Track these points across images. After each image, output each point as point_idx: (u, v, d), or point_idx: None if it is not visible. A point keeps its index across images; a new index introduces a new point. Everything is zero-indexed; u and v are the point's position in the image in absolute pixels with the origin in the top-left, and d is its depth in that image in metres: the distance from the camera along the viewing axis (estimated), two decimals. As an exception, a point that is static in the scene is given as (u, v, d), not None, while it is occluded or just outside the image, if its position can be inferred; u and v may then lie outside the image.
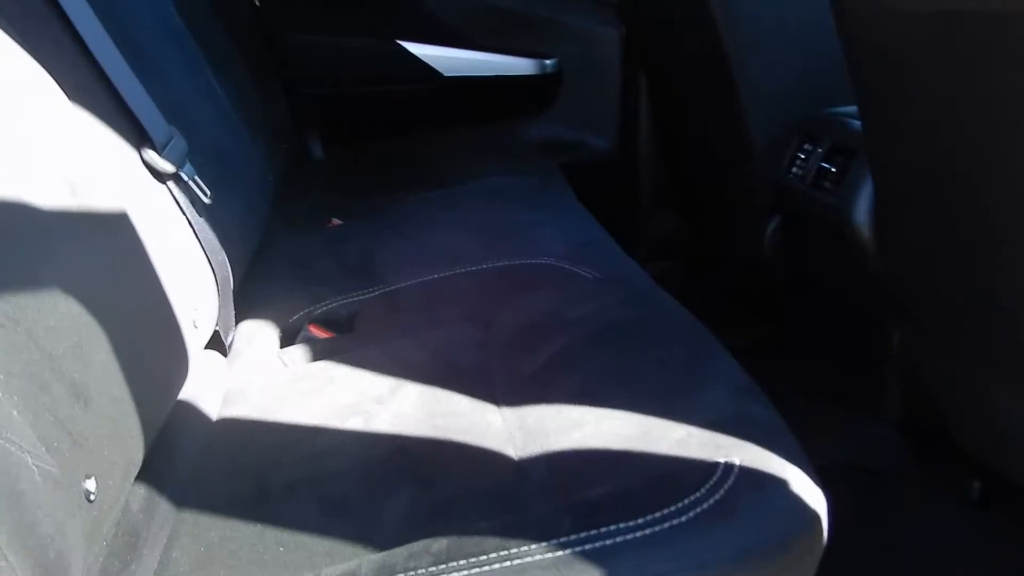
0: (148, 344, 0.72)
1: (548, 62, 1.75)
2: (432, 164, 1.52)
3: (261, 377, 0.87)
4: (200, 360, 0.87)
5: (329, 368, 0.85)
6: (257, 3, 1.65)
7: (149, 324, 0.74)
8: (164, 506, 0.68)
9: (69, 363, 0.57)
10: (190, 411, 0.80)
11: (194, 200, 0.87)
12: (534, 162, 1.51)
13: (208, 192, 0.88)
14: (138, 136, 0.83)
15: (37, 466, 0.49)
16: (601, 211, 1.77)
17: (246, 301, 1.00)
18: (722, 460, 0.59)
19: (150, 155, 0.82)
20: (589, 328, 0.81)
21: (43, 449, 0.51)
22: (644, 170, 1.84)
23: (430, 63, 1.71)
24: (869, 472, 1.19)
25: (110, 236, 0.73)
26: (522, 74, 1.74)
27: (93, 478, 0.56)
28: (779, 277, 1.41)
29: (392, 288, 0.98)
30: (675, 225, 1.89)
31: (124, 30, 0.92)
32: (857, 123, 1.17)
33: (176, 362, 0.78)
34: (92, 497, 0.56)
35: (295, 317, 0.96)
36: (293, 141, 1.67)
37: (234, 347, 0.93)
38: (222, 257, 0.91)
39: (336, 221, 1.27)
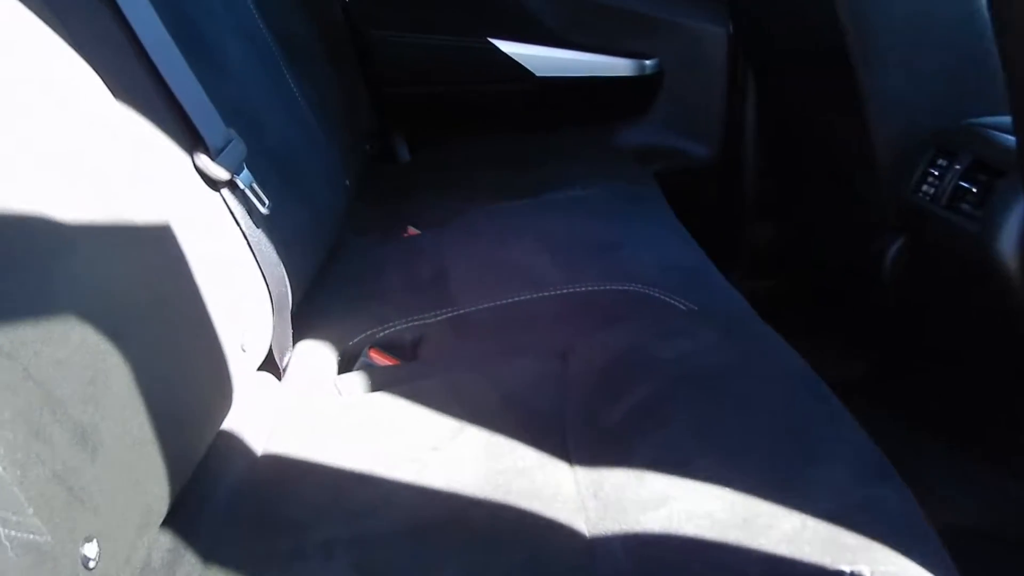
0: (185, 374, 0.65)
1: (648, 63, 1.63)
2: (520, 169, 1.42)
3: (314, 407, 0.79)
4: (249, 386, 0.80)
5: (386, 401, 0.76)
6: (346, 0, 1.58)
7: (187, 351, 0.66)
8: (189, 560, 0.60)
9: (77, 404, 0.50)
10: (233, 444, 0.73)
11: (251, 210, 0.80)
12: (628, 170, 1.40)
13: (267, 201, 0.81)
14: (191, 139, 0.76)
15: (13, 537, 0.42)
16: (697, 222, 1.63)
17: (306, 319, 0.92)
18: (847, 569, 0.47)
19: (203, 160, 0.75)
20: (681, 371, 0.70)
21: (30, 511, 0.44)
22: (747, 179, 1.69)
23: (522, 62, 1.61)
24: (1002, 541, 1.03)
25: (149, 251, 0.66)
26: (619, 75, 1.63)
27: (95, 540, 0.49)
28: (899, 304, 1.25)
29: (462, 311, 0.88)
30: (779, 239, 1.74)
31: (187, 23, 0.86)
32: (1006, 137, 1.01)
33: (219, 392, 0.70)
34: (92, 564, 0.48)
35: (356, 339, 0.88)
36: (378, 142, 1.60)
37: (289, 370, 0.86)
38: (280, 272, 0.83)
39: (413, 230, 1.19)
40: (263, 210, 0.80)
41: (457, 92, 1.66)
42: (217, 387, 0.70)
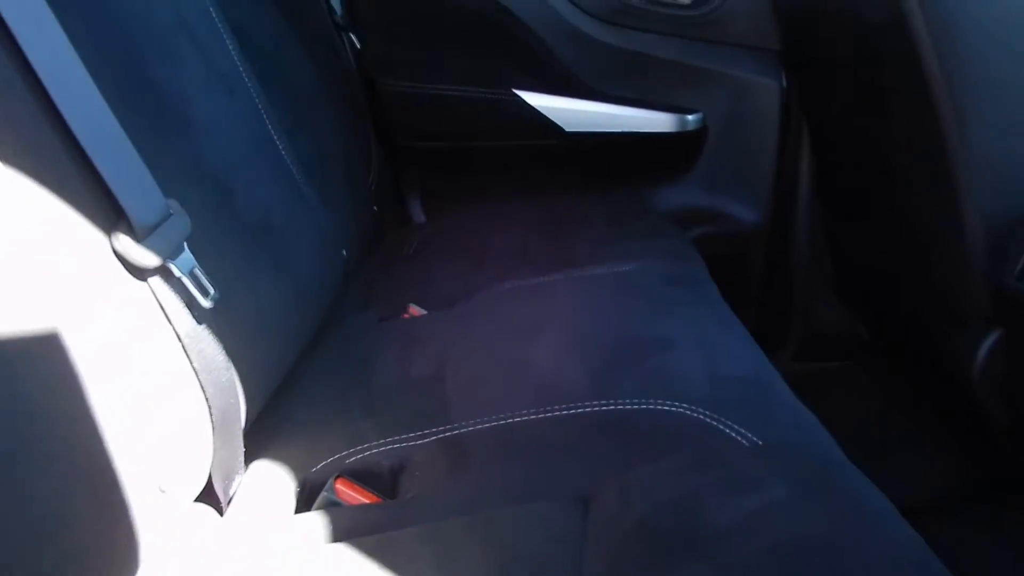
0: (83, 516, 0.48)
1: (690, 117, 1.45)
2: (546, 236, 1.25)
3: (257, 558, 0.60)
4: (173, 528, 0.62)
5: (349, 557, 0.58)
6: (358, 45, 1.44)
7: (89, 488, 0.49)
8: None
9: None
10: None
11: (191, 303, 0.63)
12: (669, 239, 1.22)
13: (212, 291, 0.64)
14: (110, 215, 0.59)
15: None
16: (743, 295, 1.43)
17: (267, 431, 0.75)
18: None
19: (123, 242, 0.58)
20: (744, 549, 0.50)
21: None
22: (800, 248, 1.50)
23: (550, 116, 1.45)
24: None
25: (41, 359, 0.49)
26: (658, 131, 1.46)
27: None
28: (993, 409, 1.04)
29: (458, 430, 0.70)
30: (837, 317, 1.54)
31: (134, 69, 0.70)
32: None
33: (128, 540, 0.53)
34: None
35: (322, 464, 0.69)
36: (389, 203, 1.44)
37: (235, 503, 0.68)
38: (228, 378, 0.66)
39: (416, 310, 1.01)
40: (205, 303, 0.63)
41: (477, 149, 1.50)
42: (126, 534, 0.52)
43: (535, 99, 1.45)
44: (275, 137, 0.91)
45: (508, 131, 1.47)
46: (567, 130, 1.46)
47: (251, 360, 0.71)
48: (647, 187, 1.53)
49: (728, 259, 1.53)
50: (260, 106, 0.90)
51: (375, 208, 1.30)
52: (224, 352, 0.66)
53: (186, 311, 0.62)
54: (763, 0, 1.40)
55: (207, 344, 0.64)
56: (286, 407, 0.78)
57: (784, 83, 1.43)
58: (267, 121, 0.91)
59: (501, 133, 1.48)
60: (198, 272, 0.63)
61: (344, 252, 1.06)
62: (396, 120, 1.47)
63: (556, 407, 0.69)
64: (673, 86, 1.45)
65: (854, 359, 1.54)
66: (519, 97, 1.44)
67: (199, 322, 0.63)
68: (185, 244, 0.63)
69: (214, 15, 0.86)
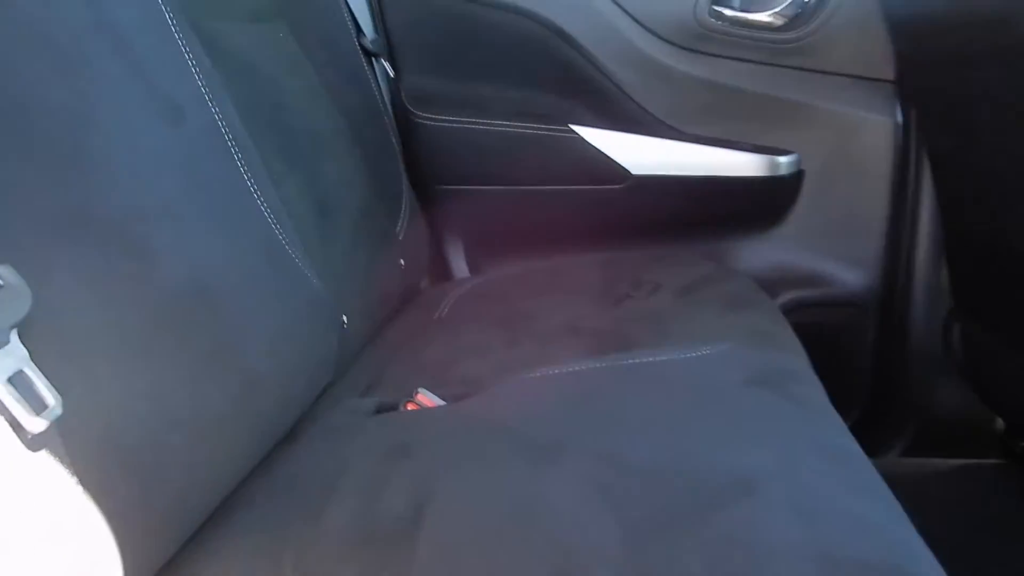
0: None
1: (784, 159, 1.21)
2: (601, 302, 1.02)
3: None
4: None
5: None
6: (391, 74, 1.25)
7: None
8: None
9: None
10: None
11: (14, 423, 0.43)
12: (752, 307, 0.97)
13: (51, 401, 0.43)
14: None
15: None
16: (845, 376, 1.17)
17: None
18: None
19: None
20: None
21: None
22: (920, 318, 1.23)
23: (614, 156, 1.23)
24: None
25: None
26: (744, 175, 1.22)
27: None
28: None
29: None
30: (965, 405, 1.25)
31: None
32: None
33: None
34: None
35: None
36: (423, 255, 1.24)
37: None
38: (97, 534, 0.45)
39: (424, 398, 0.79)
40: (35, 422, 0.43)
41: (529, 193, 1.28)
42: None
43: (597, 136, 1.23)
44: (248, 180, 0.71)
45: (564, 173, 1.26)
46: (633, 172, 1.24)
47: (144, 505, 0.50)
48: (728, 242, 1.29)
49: (827, 331, 1.27)
50: (230, 141, 0.71)
51: (401, 262, 1.09)
52: (93, 493, 0.45)
53: (12, 435, 0.42)
54: (873, 20, 1.15)
55: (55, 483, 0.44)
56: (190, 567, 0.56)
57: (900, 118, 1.18)
58: (239, 161, 0.71)
59: (556, 176, 1.26)
60: (29, 374, 0.42)
61: (345, 320, 0.85)
62: (434, 160, 1.27)
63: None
64: (763, 123, 1.22)
65: (984, 456, 1.26)
66: (578, 134, 1.23)
67: (32, 448, 0.43)
68: (14, 332, 0.42)
69: (170, 19, 0.67)
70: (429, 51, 1.24)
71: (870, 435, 1.26)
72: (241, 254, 0.67)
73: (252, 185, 0.72)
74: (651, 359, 0.75)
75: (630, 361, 0.74)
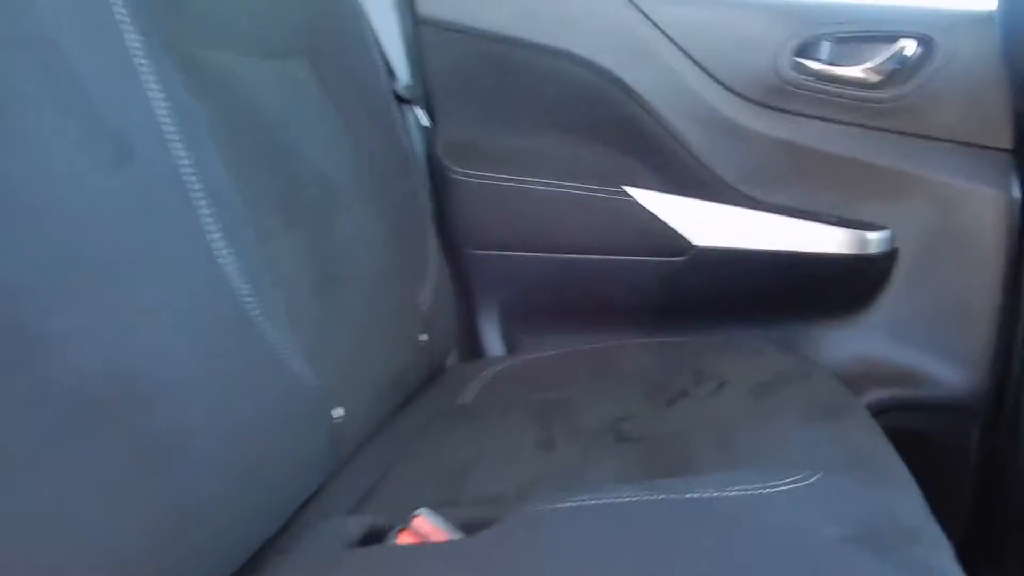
0: None
1: (874, 236, 1.04)
2: (651, 399, 0.85)
3: None
4: None
5: None
6: (426, 123, 1.12)
7: None
8: None
9: None
10: None
11: None
12: (842, 412, 0.79)
13: None
14: None
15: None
16: (946, 492, 0.98)
17: None
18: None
19: None
20: None
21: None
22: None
23: (674, 225, 1.08)
24: None
25: None
26: (827, 252, 1.05)
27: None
28: None
29: None
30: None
31: None
32: None
33: None
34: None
35: None
36: (452, 329, 1.08)
37: None
38: None
39: (426, 523, 0.63)
40: None
41: (576, 263, 1.13)
42: None
43: (655, 201, 1.08)
44: (213, 238, 0.57)
45: (617, 242, 1.10)
46: (696, 244, 1.08)
47: None
48: (806, 330, 1.11)
49: (921, 439, 1.08)
50: (195, 190, 0.56)
51: (424, 338, 0.94)
52: None
53: None
54: (988, 78, 0.98)
55: None
56: None
57: (1017, 193, 1.00)
58: (205, 214, 0.57)
59: (608, 244, 1.11)
60: None
61: (340, 413, 0.70)
62: (470, 221, 1.12)
63: None
64: (851, 194, 1.05)
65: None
66: (633, 198, 1.07)
67: None
68: None
69: (132, 41, 0.54)
70: (471, 100, 1.11)
71: (971, 565, 1.06)
72: (189, 332, 0.52)
73: (219, 244, 0.58)
74: (716, 493, 0.57)
75: (690, 495, 0.57)
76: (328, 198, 0.81)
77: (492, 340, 1.16)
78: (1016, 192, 1.00)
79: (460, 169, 1.11)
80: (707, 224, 1.07)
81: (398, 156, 1.00)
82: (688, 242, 1.08)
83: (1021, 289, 1.02)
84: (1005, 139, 1.00)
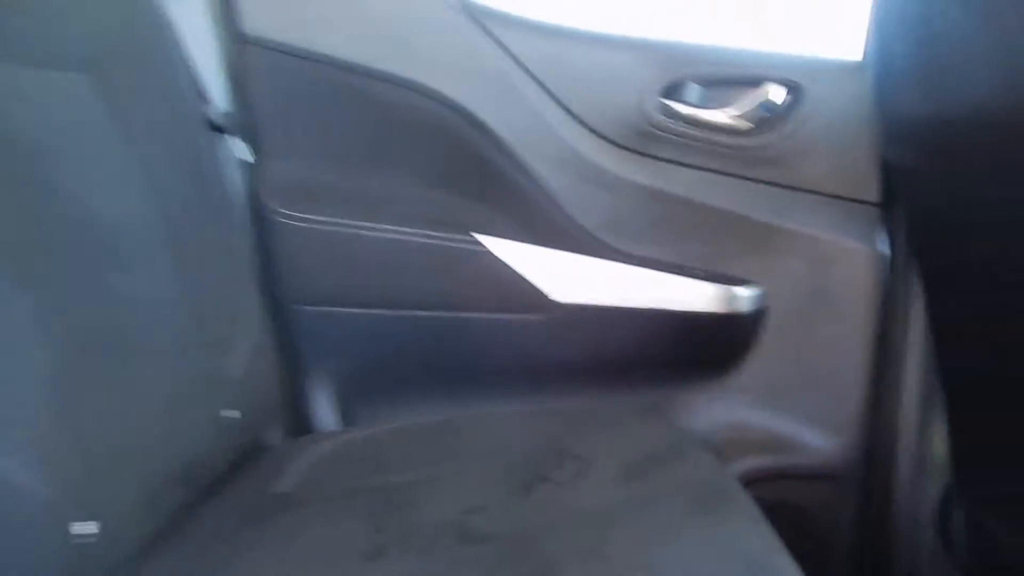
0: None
1: (744, 293, 0.97)
2: (510, 480, 0.72)
3: None
4: None
5: None
6: (249, 158, 0.96)
7: None
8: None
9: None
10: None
11: None
12: (723, 499, 0.69)
13: None
14: None
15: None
16: (818, 568, 0.89)
17: None
18: None
19: None
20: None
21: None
22: (909, 499, 0.98)
23: (530, 279, 0.96)
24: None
25: None
26: (695, 310, 0.97)
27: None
28: None
29: None
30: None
31: None
32: None
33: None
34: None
35: None
36: (272, 401, 0.92)
37: None
38: None
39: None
40: None
41: (420, 322, 0.99)
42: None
43: (510, 251, 0.96)
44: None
45: (468, 297, 0.98)
46: (556, 300, 0.97)
47: None
48: (674, 392, 1.02)
49: (792, 509, 1.00)
50: None
51: (232, 413, 0.77)
52: None
53: None
54: (854, 127, 0.94)
55: None
56: None
57: (885, 249, 0.95)
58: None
59: (457, 300, 0.98)
60: None
61: (89, 530, 0.52)
62: (298, 271, 0.97)
63: None
64: (721, 247, 0.97)
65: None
66: (486, 247, 0.95)
67: None
68: None
69: None
70: (302, 132, 0.96)
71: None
72: None
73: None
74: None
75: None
76: (99, 246, 0.64)
77: (323, 411, 1.00)
78: (883, 247, 0.95)
79: (287, 211, 0.95)
80: (568, 278, 0.97)
81: (208, 196, 0.84)
82: (546, 297, 0.97)
83: (890, 347, 0.96)
84: (872, 192, 0.95)
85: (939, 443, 0.97)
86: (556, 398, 1.01)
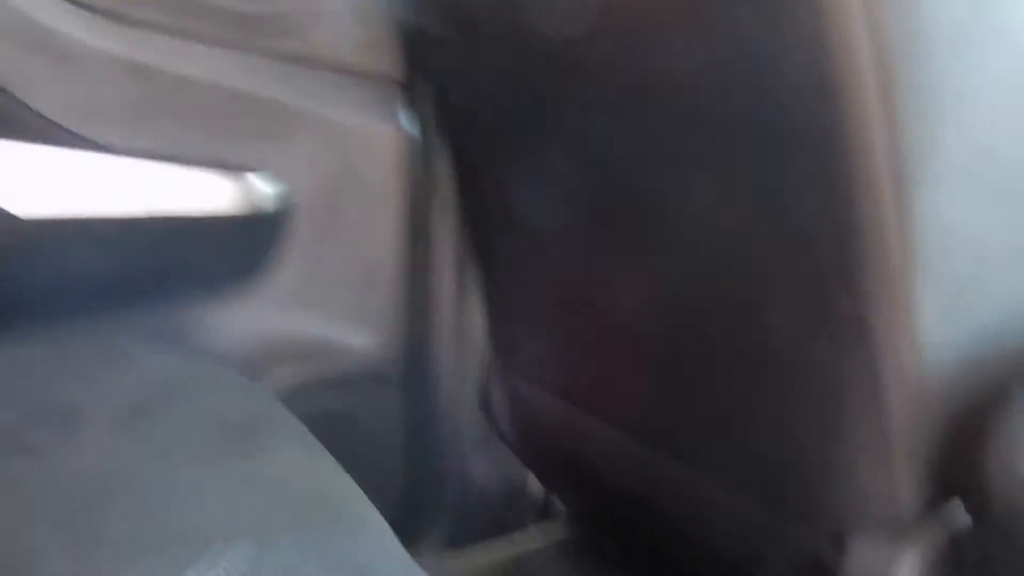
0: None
1: (262, 187, 0.84)
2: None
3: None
4: None
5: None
6: None
7: None
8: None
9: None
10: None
11: None
12: (233, 401, 0.58)
13: None
14: None
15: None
16: (377, 468, 0.88)
17: None
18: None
19: None
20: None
21: None
22: (453, 382, 0.98)
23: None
24: None
25: None
26: (204, 211, 0.82)
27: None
28: None
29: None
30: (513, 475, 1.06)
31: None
32: None
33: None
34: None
35: None
36: None
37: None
38: None
39: None
40: None
41: None
42: None
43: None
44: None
45: None
46: (23, 217, 0.73)
47: None
48: (186, 311, 0.86)
49: (343, 418, 0.94)
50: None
51: None
52: None
53: None
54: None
55: None
56: None
57: (410, 127, 0.90)
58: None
59: None
60: None
61: None
62: None
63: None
64: (227, 132, 0.82)
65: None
66: None
67: None
68: None
69: None
70: None
71: (411, 530, 0.97)
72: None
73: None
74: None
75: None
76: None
77: None
78: (411, 128, 0.90)
79: None
80: (28, 182, 0.74)
81: None
82: (8, 214, 0.73)
83: (422, 236, 0.93)
84: (396, 67, 0.88)
85: (477, 324, 0.97)
86: (37, 339, 0.78)
